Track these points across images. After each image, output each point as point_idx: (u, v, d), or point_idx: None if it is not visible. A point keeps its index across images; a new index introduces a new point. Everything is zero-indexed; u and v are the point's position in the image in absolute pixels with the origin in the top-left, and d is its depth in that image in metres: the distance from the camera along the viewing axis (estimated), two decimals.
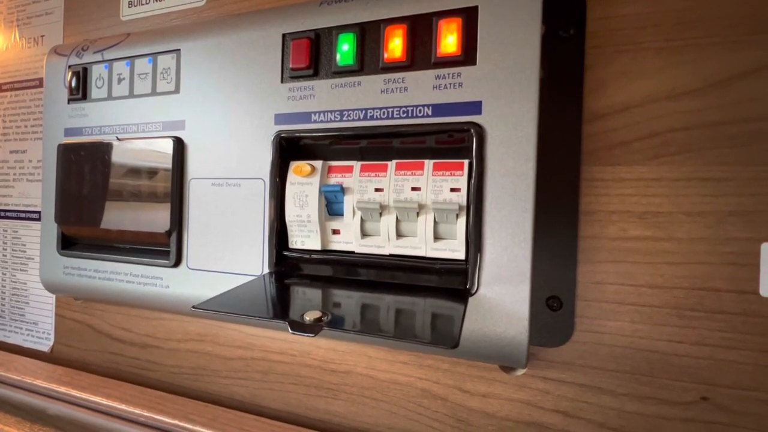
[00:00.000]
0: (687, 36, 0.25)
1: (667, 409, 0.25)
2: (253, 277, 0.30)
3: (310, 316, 0.19)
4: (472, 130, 0.25)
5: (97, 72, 0.37)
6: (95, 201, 0.36)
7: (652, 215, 0.25)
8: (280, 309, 0.23)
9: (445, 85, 0.26)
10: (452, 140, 0.27)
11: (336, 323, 0.20)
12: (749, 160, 0.23)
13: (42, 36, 0.47)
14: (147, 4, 0.41)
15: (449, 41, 0.26)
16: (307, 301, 0.25)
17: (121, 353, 0.41)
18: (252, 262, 0.31)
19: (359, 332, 0.20)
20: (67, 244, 0.39)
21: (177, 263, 0.34)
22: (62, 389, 0.36)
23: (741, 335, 0.24)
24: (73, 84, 0.38)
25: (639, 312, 0.25)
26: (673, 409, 0.25)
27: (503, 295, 0.25)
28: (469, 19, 0.25)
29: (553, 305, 0.27)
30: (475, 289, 0.25)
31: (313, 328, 0.19)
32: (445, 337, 0.19)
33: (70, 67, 0.39)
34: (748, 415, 0.23)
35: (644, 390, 0.25)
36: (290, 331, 0.19)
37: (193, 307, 0.22)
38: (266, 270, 0.30)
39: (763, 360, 0.23)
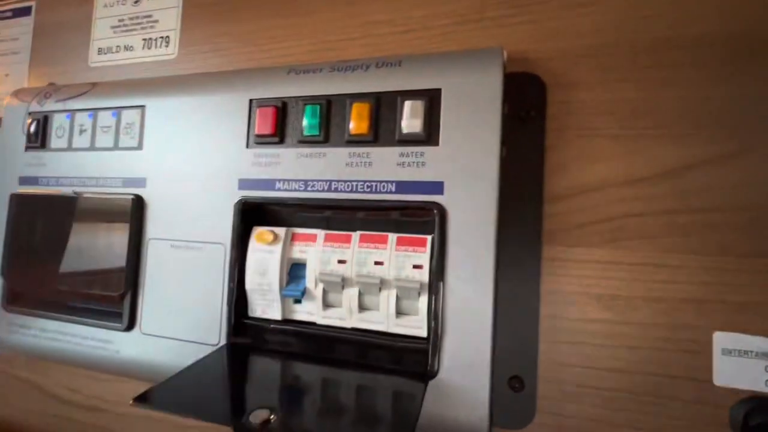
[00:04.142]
0: (639, 125, 0.26)
1: None
2: (209, 349, 0.29)
3: (256, 419, 0.18)
4: (434, 210, 0.25)
5: (58, 121, 0.36)
6: (46, 256, 0.35)
7: (610, 298, 0.25)
8: (229, 403, 0.21)
9: (409, 163, 0.26)
10: (416, 214, 0.27)
11: (284, 426, 0.19)
12: (700, 249, 0.24)
13: (6, 75, 0.46)
14: (117, 52, 0.40)
15: (413, 121, 0.26)
16: (261, 387, 0.24)
17: (67, 416, 0.38)
18: (210, 330, 0.30)
19: None
20: (14, 299, 0.37)
21: (130, 327, 0.32)
22: None
23: (694, 423, 0.24)
24: (32, 131, 0.37)
25: (599, 395, 0.25)
26: None
27: (464, 378, 0.24)
28: (432, 100, 0.26)
29: (516, 386, 0.26)
30: (435, 370, 0.25)
31: None
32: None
33: (30, 113, 0.38)
34: None
35: None
36: None
37: (133, 400, 0.20)
38: (224, 340, 0.29)
39: None
